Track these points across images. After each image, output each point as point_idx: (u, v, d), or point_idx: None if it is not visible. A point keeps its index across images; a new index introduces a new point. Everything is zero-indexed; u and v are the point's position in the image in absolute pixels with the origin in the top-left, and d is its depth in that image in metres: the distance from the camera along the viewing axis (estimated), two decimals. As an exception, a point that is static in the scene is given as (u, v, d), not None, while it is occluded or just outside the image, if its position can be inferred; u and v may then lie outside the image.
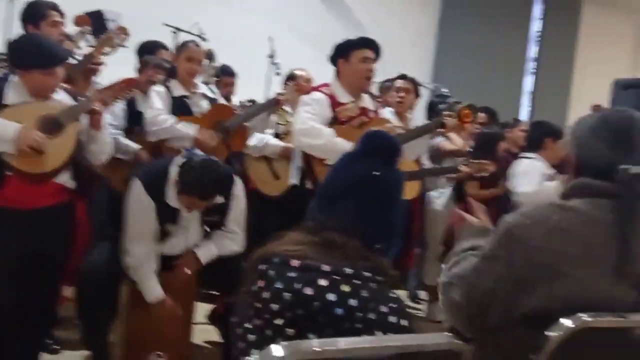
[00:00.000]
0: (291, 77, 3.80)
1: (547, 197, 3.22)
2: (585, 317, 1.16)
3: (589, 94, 6.58)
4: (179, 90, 3.17)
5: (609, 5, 9.06)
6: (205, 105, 3.24)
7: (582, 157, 1.35)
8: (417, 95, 3.94)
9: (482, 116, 4.25)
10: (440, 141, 4.14)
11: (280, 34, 5.49)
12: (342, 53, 2.96)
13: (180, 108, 3.12)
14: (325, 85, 3.00)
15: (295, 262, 1.16)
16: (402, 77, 3.81)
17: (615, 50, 9.15)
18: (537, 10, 8.60)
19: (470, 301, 1.30)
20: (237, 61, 4.52)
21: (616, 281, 1.22)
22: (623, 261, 1.21)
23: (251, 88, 4.76)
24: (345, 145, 2.71)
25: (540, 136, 3.57)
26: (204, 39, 4.39)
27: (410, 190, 3.47)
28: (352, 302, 1.13)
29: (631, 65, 9.25)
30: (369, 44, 2.95)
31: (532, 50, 8.61)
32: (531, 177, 3.37)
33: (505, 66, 8.04)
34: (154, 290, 2.46)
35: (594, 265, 1.22)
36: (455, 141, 4.20)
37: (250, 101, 4.27)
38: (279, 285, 1.14)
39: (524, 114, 8.45)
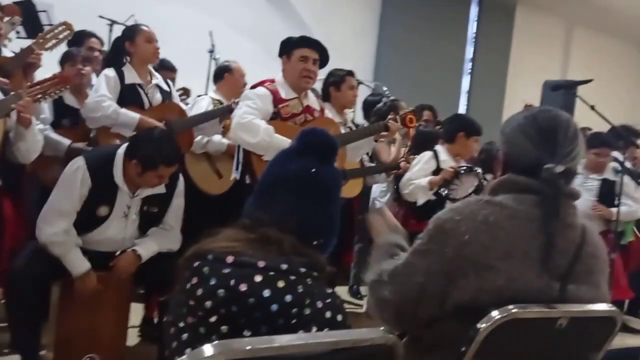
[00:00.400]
0: (227, 70, 3.75)
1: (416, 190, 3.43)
2: (513, 308, 1.20)
3: (522, 93, 6.81)
4: (132, 77, 3.08)
5: (541, 9, 9.44)
6: (158, 97, 3.15)
7: (510, 155, 1.40)
8: None
9: (426, 114, 4.33)
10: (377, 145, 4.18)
11: (221, 29, 5.43)
12: (284, 50, 2.97)
13: (129, 97, 3.04)
14: (271, 81, 2.99)
15: (229, 259, 1.15)
16: (350, 73, 3.81)
17: (546, 52, 9.56)
18: (474, 12, 8.84)
19: (401, 297, 1.33)
20: (176, 55, 4.43)
21: (541, 273, 1.27)
22: (548, 254, 1.26)
23: (191, 82, 4.68)
24: (284, 143, 2.70)
25: (453, 129, 3.62)
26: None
27: (353, 188, 3.51)
28: (288, 297, 1.12)
29: (561, 67, 9.68)
30: (310, 44, 2.96)
31: (469, 51, 8.84)
32: (418, 169, 3.52)
33: (444, 66, 8.22)
34: (79, 264, 2.36)
35: (520, 258, 1.26)
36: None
37: (181, 89, 4.20)
38: (213, 281, 1.13)
39: (462, 112, 8.69)
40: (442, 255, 1.29)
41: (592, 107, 3.63)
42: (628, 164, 4.58)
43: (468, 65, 8.86)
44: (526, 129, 1.36)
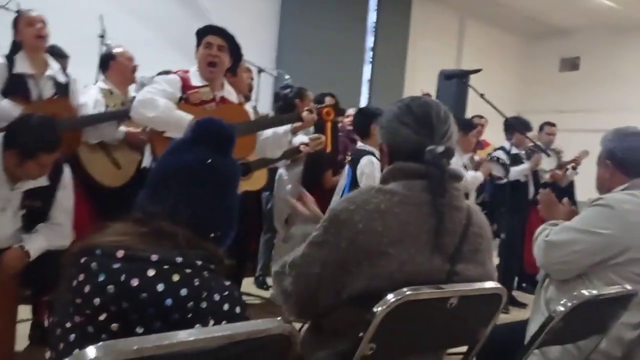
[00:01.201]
0: (110, 57, 3.55)
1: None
2: (407, 291, 1.24)
3: (420, 82, 7.06)
4: (23, 66, 2.87)
5: (436, 0, 9.79)
6: (49, 90, 2.96)
7: (393, 144, 1.46)
8: None
9: (328, 100, 4.38)
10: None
11: (114, 13, 5.17)
12: (197, 40, 2.98)
13: (15, 87, 2.84)
14: (185, 70, 2.97)
15: (120, 253, 1.10)
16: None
17: (442, 42, 9.94)
18: (373, 1, 9.01)
19: (300, 288, 1.35)
20: (65, 41, 4.17)
21: (432, 255, 1.32)
22: (438, 236, 1.32)
23: (82, 70, 4.42)
24: (185, 118, 2.68)
25: (365, 124, 3.65)
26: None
27: (260, 179, 3.49)
28: (183, 291, 1.09)
29: (456, 57, 10.12)
30: (214, 30, 2.96)
31: (370, 40, 9.01)
32: (372, 178, 3.42)
33: (345, 55, 8.32)
34: None
35: (411, 242, 1.31)
36: None
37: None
38: (102, 277, 1.07)
39: (364, 101, 8.85)
40: (337, 246, 1.31)
41: (482, 96, 3.83)
42: (515, 150, 4.91)
43: (369, 55, 9.03)
44: (403, 118, 1.42)
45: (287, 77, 4.89)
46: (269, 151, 3.23)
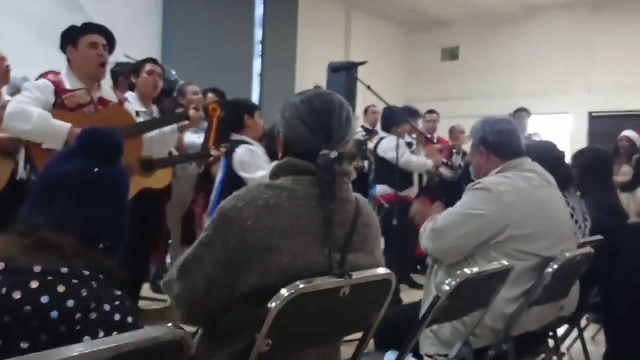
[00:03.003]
0: None
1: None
2: (300, 284, 1.25)
3: (311, 75, 7.13)
4: None
5: (323, -8, 9.92)
6: None
7: (289, 139, 1.46)
8: None
9: (210, 97, 4.29)
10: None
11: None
12: (69, 40, 2.81)
13: None
14: (56, 73, 2.80)
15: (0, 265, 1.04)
16: (152, 60, 3.60)
17: (330, 35, 10.11)
18: (260, -7, 8.96)
19: (191, 291, 1.33)
20: None
21: (323, 247, 1.34)
22: (327, 229, 1.34)
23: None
24: (63, 128, 2.57)
25: (238, 116, 3.61)
26: None
27: (163, 178, 3.37)
28: (70, 303, 1.04)
29: (344, 50, 10.33)
30: (97, 29, 2.84)
31: (259, 34, 8.96)
32: (254, 165, 3.43)
33: (235, 48, 8.22)
34: None
35: (302, 236, 1.32)
36: None
37: None
38: None
39: (256, 95, 8.81)
40: (227, 244, 1.30)
41: (369, 87, 3.94)
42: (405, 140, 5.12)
43: (258, 48, 8.99)
44: (303, 115, 1.42)
45: (173, 72, 4.75)
46: (156, 150, 3.14)
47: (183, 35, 7.46)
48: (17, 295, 1.01)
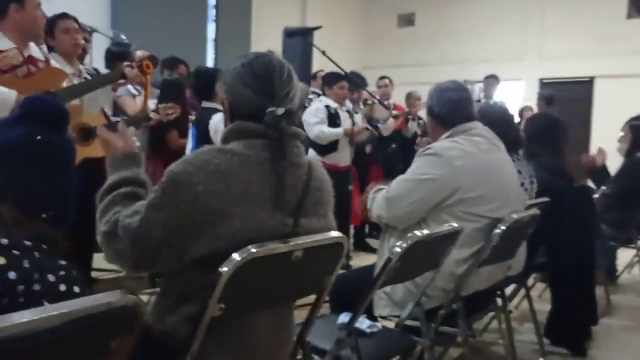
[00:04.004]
0: None
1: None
2: (252, 248, 1.26)
3: (267, 41, 7.03)
4: None
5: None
6: None
7: (234, 103, 1.45)
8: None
9: (140, 54, 4.20)
10: (119, 96, 3.95)
11: None
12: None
13: None
14: None
15: None
16: (65, 15, 3.45)
17: (285, 0, 9.94)
18: (213, -44, 8.73)
19: (139, 252, 1.32)
20: None
21: (275, 212, 1.35)
22: (279, 193, 1.35)
23: None
24: (11, 95, 2.48)
25: (208, 84, 3.59)
26: None
27: (101, 146, 3.28)
28: (12, 275, 1.02)
29: (301, 16, 10.19)
30: None
31: (212, -2, 8.76)
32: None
33: (188, 13, 8.02)
34: None
35: (253, 201, 1.32)
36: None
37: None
38: None
39: (210, 61, 8.65)
40: (177, 209, 1.29)
41: (324, 53, 3.93)
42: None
43: (212, 12, 8.79)
44: (245, 78, 1.41)
45: (123, 37, 4.61)
46: (88, 110, 3.06)
47: (133, 1, 7.22)
48: None
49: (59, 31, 3.28)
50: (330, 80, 4.74)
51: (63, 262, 1.12)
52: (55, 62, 3.09)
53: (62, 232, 1.21)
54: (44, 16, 2.73)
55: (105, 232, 1.37)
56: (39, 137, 1.19)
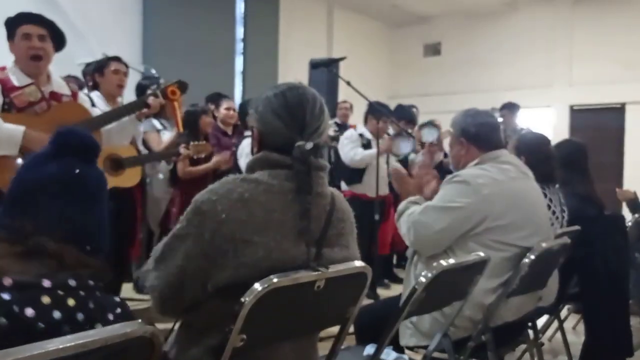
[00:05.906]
0: None
1: None
2: (274, 278, 1.25)
3: (293, 72, 7.12)
4: None
5: (304, -11, 9.89)
6: None
7: (264, 132, 1.45)
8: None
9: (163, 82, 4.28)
10: (145, 132, 4.02)
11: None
12: (9, 33, 2.65)
13: None
14: (1, 68, 2.66)
15: (7, 281, 0.99)
16: (116, 59, 3.58)
17: (312, 32, 10.08)
18: (240, -9, 8.90)
19: (164, 282, 1.33)
20: None
21: (298, 241, 1.34)
22: (304, 225, 1.34)
23: None
24: (16, 132, 2.46)
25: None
26: None
27: (132, 176, 3.34)
28: (80, 316, 1.03)
29: (327, 46, 10.31)
30: (30, 19, 2.66)
31: (240, 31, 8.92)
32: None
33: (216, 46, 8.16)
34: None
35: (276, 230, 1.32)
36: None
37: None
38: None
39: (238, 93, 8.77)
40: (201, 237, 1.30)
41: (348, 83, 3.95)
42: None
43: (240, 46, 8.95)
44: (276, 109, 1.41)
45: (153, 71, 4.72)
46: (115, 141, 3.08)
47: (163, 33, 7.39)
48: (29, 312, 0.98)
49: (108, 71, 3.42)
50: (379, 112, 4.62)
51: (117, 299, 1.14)
52: (99, 99, 3.18)
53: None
54: (31, 46, 2.62)
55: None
56: (77, 171, 1.20)
